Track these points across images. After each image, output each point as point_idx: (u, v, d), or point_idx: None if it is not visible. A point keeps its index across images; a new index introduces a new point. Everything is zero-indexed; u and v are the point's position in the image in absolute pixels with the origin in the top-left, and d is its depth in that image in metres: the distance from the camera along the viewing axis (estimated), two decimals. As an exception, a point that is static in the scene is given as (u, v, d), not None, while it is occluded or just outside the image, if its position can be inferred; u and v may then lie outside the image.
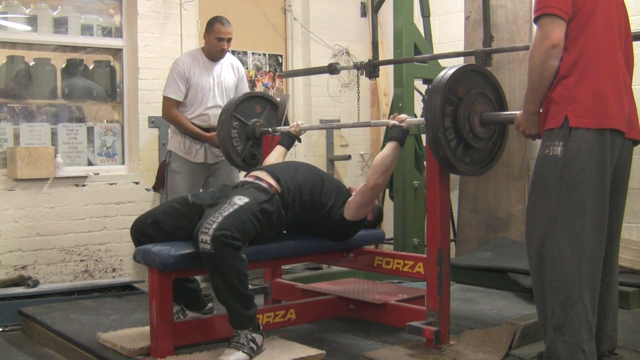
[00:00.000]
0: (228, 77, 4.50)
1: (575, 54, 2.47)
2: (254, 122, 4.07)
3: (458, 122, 2.91)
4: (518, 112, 2.73)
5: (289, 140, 3.88)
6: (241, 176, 4.31)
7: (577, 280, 2.42)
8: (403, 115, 3.33)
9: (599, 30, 2.49)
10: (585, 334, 2.42)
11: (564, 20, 2.45)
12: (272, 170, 3.34)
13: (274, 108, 4.17)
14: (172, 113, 4.37)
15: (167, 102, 4.37)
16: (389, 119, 3.43)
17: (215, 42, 4.36)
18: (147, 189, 4.89)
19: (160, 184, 4.55)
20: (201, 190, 4.41)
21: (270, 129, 3.99)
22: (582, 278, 2.42)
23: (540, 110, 2.60)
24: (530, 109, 2.60)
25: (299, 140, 3.99)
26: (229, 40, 4.40)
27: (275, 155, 3.79)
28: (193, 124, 4.37)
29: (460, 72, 2.93)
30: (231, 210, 2.92)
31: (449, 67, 2.99)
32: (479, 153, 3.06)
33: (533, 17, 2.55)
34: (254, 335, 2.92)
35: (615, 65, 2.52)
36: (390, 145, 3.26)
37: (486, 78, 3.07)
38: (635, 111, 2.62)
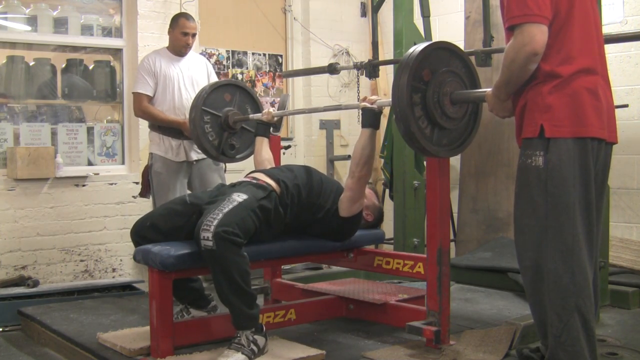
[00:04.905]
0: (197, 72, 4.44)
1: (550, 60, 2.41)
2: (226, 111, 3.99)
3: (428, 108, 2.77)
4: (488, 91, 2.63)
5: (264, 128, 3.85)
6: (230, 177, 4.31)
7: (572, 290, 2.40)
8: (374, 97, 3.26)
9: (575, 34, 2.43)
10: (584, 342, 2.41)
11: (546, 25, 2.37)
12: (270, 172, 3.34)
13: (244, 93, 4.11)
14: (142, 107, 4.30)
15: (137, 98, 4.31)
16: (359, 102, 3.37)
17: (180, 36, 4.34)
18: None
19: (145, 189, 4.48)
20: (187, 189, 4.38)
21: (243, 117, 3.97)
22: (577, 288, 2.40)
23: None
24: (501, 96, 2.56)
25: (275, 128, 3.93)
26: (193, 35, 4.38)
27: (264, 149, 3.79)
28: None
29: (422, 55, 2.74)
30: (231, 207, 2.93)
31: (408, 51, 2.81)
32: (455, 132, 2.93)
33: (506, 24, 2.44)
34: (256, 337, 2.92)
35: (592, 70, 2.45)
36: (365, 134, 3.22)
37: (452, 53, 2.89)
38: (613, 112, 2.56)
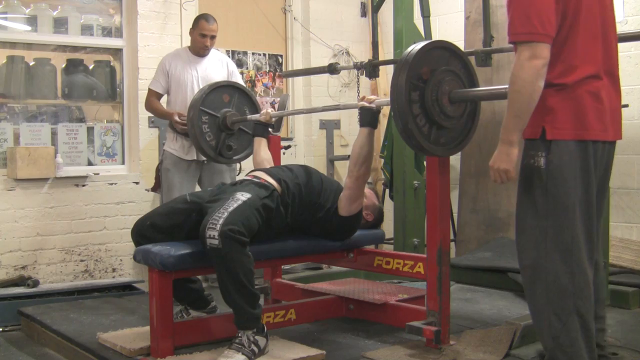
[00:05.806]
0: (215, 72, 4.49)
1: (552, 70, 2.39)
2: (224, 112, 4.02)
3: (426, 106, 2.77)
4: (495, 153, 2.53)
5: (262, 129, 3.87)
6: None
7: (571, 291, 2.41)
8: (372, 97, 3.27)
9: (579, 43, 2.42)
10: (583, 343, 2.41)
11: (549, 44, 2.35)
12: (270, 171, 3.35)
13: (243, 95, 4.14)
14: (148, 101, 4.49)
15: (148, 94, 4.50)
16: (357, 101, 3.37)
17: (199, 38, 4.42)
18: (146, 189, 4.90)
19: (157, 185, 4.58)
20: (197, 187, 4.43)
21: (241, 117, 3.99)
22: (576, 289, 2.40)
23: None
24: (511, 138, 2.43)
25: (273, 128, 3.95)
26: (212, 37, 4.45)
27: (263, 150, 3.81)
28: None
29: (421, 54, 2.75)
30: (235, 205, 2.93)
31: (407, 49, 2.81)
32: (453, 131, 2.93)
33: (509, 38, 2.40)
34: (257, 337, 2.92)
35: (594, 76, 2.44)
36: (363, 133, 3.23)
37: (451, 52, 2.90)
38: (618, 112, 2.56)
